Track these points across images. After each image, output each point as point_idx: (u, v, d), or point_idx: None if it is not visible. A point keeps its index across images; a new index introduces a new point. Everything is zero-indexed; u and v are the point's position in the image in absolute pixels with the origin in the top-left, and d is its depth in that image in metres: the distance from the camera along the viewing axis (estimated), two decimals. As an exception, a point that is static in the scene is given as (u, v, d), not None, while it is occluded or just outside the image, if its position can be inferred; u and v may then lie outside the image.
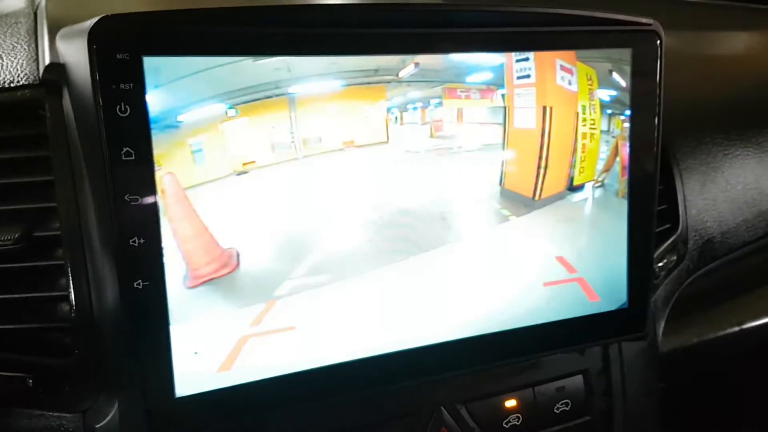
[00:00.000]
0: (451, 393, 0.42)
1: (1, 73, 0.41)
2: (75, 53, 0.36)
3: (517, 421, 0.44)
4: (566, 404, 0.45)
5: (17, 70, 0.42)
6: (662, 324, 0.55)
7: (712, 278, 0.63)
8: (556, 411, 0.45)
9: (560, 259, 0.44)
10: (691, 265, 0.57)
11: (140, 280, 0.34)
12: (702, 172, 0.58)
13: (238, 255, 0.36)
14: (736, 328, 0.63)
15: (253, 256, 0.37)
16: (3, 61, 0.42)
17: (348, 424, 0.41)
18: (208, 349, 0.36)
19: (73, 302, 0.37)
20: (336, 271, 0.38)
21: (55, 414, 0.38)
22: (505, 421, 0.44)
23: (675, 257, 0.53)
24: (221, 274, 0.36)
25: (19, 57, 0.42)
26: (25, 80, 0.41)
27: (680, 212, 0.53)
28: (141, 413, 0.36)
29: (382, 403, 0.41)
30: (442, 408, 0.42)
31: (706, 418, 0.66)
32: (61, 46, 0.39)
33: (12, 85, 0.41)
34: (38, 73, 0.41)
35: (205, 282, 0.36)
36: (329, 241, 0.38)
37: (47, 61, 0.41)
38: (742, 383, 0.67)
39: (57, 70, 0.39)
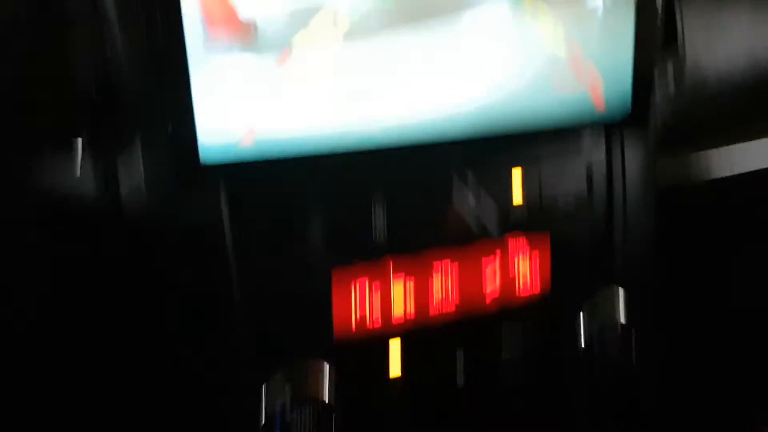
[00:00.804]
0: (460, 158, 0.43)
1: None
2: None
3: (522, 196, 0.45)
4: (568, 187, 0.46)
5: None
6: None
7: (708, 123, 0.65)
8: (559, 192, 0.46)
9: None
10: (688, 100, 0.57)
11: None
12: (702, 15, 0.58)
13: (255, 26, 0.36)
14: (729, 174, 0.65)
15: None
16: None
17: (361, 188, 0.42)
18: (229, 118, 0.37)
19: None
20: (350, 29, 0.38)
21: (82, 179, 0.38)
22: (511, 194, 0.45)
23: (673, 86, 0.54)
24: (239, 38, 0.36)
25: None
26: None
27: (679, 42, 0.54)
28: (167, 181, 0.37)
29: (397, 164, 0.42)
30: (452, 172, 0.43)
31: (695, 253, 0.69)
32: None
33: None
34: None
35: (223, 46, 0.36)
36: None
37: None
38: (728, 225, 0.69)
39: None
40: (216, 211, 0.39)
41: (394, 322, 0.43)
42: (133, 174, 0.38)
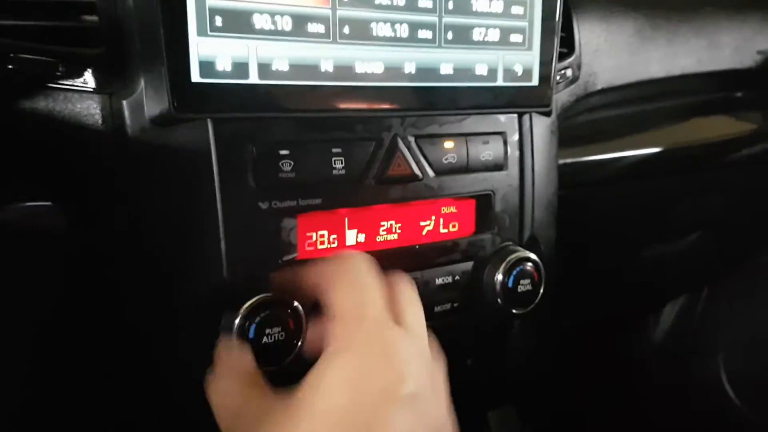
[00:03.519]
0: (404, 129, 0.54)
1: None
2: None
3: (453, 160, 0.56)
4: (489, 155, 0.58)
5: None
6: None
7: (599, 118, 0.79)
8: (481, 158, 0.57)
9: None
10: (583, 92, 0.71)
11: None
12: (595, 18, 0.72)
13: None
14: (618, 154, 0.80)
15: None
16: None
17: (329, 136, 0.51)
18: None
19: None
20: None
21: (84, 97, 0.45)
22: (444, 158, 0.55)
23: (571, 75, 0.67)
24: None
25: None
26: None
27: (575, 39, 0.67)
28: (163, 93, 0.44)
29: (353, 126, 0.52)
30: (398, 137, 0.53)
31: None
32: None
33: None
34: None
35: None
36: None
37: None
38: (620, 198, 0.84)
39: None
40: (204, 142, 0.46)
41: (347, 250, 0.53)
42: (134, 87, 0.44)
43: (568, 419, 0.92)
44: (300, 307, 0.49)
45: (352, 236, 0.54)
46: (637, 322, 1.12)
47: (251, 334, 0.47)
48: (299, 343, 0.49)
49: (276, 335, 0.48)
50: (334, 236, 0.53)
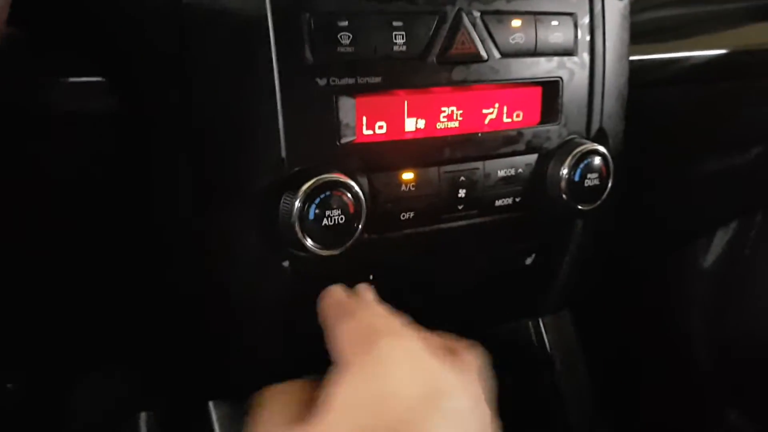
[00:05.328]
0: (469, 3, 0.49)
1: None
2: None
3: (520, 41, 0.51)
4: (558, 38, 0.53)
5: None
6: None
7: (662, 16, 0.74)
8: (550, 41, 0.53)
9: None
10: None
11: None
12: None
13: None
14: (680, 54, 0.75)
15: None
16: None
17: (389, 7, 0.47)
18: None
19: None
20: None
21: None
22: (510, 38, 0.51)
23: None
24: None
25: None
26: None
27: None
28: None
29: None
30: (462, 12, 0.49)
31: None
32: None
33: None
34: None
35: None
36: None
37: None
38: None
39: None
40: (261, 9, 0.42)
41: (406, 136, 0.50)
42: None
43: (619, 329, 0.90)
44: (360, 191, 0.47)
45: (411, 122, 0.50)
46: (687, 246, 1.08)
47: (311, 216, 0.45)
48: (359, 227, 0.47)
49: (336, 218, 0.46)
50: (394, 121, 0.50)
